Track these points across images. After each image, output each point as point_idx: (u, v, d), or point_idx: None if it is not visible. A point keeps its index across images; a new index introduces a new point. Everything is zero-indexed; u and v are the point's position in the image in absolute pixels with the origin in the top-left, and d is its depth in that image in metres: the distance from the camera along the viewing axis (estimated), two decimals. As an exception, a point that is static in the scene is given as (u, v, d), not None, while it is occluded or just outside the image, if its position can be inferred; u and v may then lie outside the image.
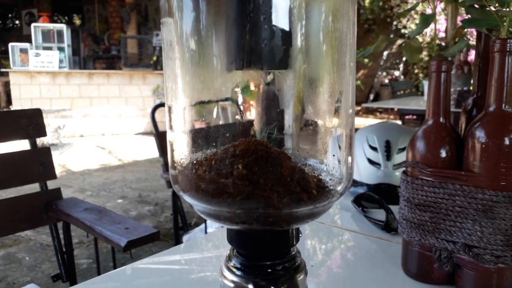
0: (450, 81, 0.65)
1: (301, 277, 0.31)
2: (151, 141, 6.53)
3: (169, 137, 0.31)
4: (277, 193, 0.27)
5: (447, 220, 0.64)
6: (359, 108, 9.17)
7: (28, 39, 8.16)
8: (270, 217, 0.28)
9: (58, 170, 1.35)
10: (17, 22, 12.03)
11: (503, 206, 0.59)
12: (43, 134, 1.44)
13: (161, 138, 1.88)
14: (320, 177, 0.30)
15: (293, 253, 0.32)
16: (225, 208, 0.28)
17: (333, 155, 0.31)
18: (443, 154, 0.65)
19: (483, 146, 0.59)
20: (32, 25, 8.09)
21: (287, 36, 0.26)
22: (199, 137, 0.30)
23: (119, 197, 3.86)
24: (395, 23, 9.05)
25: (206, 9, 0.26)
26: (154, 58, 8.38)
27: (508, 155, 0.58)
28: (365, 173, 1.07)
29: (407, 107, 4.25)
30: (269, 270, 0.30)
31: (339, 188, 0.30)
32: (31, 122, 1.39)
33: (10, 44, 7.62)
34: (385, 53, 9.58)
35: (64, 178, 4.45)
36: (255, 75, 0.27)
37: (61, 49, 7.88)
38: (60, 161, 5.24)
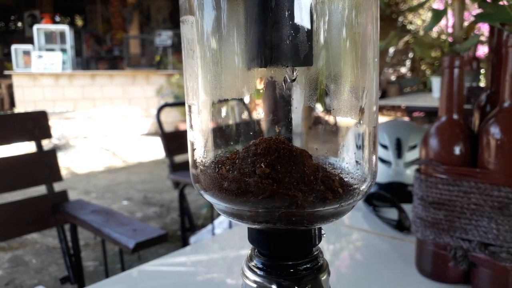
0: (463, 77, 0.64)
1: (325, 277, 0.30)
2: (155, 142, 6.56)
3: (190, 136, 0.30)
4: (301, 192, 0.26)
5: (462, 218, 0.63)
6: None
7: (30, 41, 8.18)
8: (294, 216, 0.27)
9: (62, 172, 1.36)
10: (19, 24, 12.06)
11: (520, 203, 0.58)
12: (49, 136, 1.44)
13: (167, 138, 1.87)
14: (344, 175, 0.30)
15: (315, 253, 0.31)
16: (248, 207, 0.27)
17: (355, 153, 0.30)
18: (457, 151, 0.64)
19: (498, 142, 0.59)
20: (35, 27, 8.10)
21: (311, 32, 0.26)
22: (220, 136, 0.30)
23: (124, 198, 3.86)
24: (400, 19, 9.01)
25: (228, 6, 0.26)
26: (157, 58, 8.38)
27: (525, 152, 0.57)
28: (375, 172, 1.06)
29: (415, 104, 4.20)
30: (292, 270, 0.30)
31: (363, 187, 0.29)
32: (36, 124, 1.39)
33: (13, 47, 7.63)
34: (392, 49, 9.53)
35: (69, 180, 4.45)
36: (278, 73, 0.27)
37: (63, 51, 7.89)
38: (64, 163, 5.25)
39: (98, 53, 10.23)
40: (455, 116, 0.65)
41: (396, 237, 0.86)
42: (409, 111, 5.06)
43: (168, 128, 1.97)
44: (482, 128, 0.61)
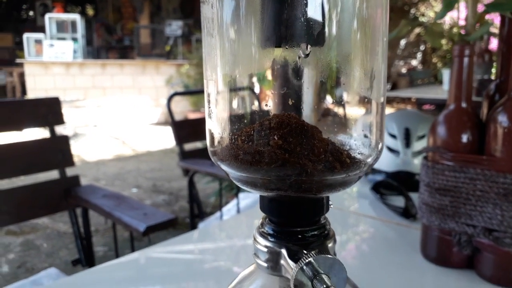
0: (472, 66, 0.65)
1: (331, 244, 0.32)
2: (165, 131, 6.60)
3: (208, 124, 0.32)
4: (311, 161, 0.28)
5: (468, 204, 0.64)
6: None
7: (42, 30, 8.23)
8: (304, 184, 0.29)
9: (73, 159, 1.40)
10: (31, 13, 12.13)
11: (525, 190, 0.59)
12: (61, 122, 1.46)
13: (177, 126, 1.89)
14: (351, 151, 0.31)
15: (323, 221, 0.33)
16: (261, 175, 0.29)
17: (362, 130, 0.31)
18: (465, 139, 0.65)
19: (506, 130, 0.59)
20: (46, 15, 8.15)
21: (324, 11, 0.27)
22: (237, 120, 0.32)
23: (134, 186, 3.90)
24: (412, 11, 8.94)
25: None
26: (167, 48, 8.41)
27: (531, 139, 0.58)
28: (384, 161, 1.07)
29: (426, 96, 4.18)
30: (300, 236, 0.32)
31: (369, 159, 0.31)
32: (50, 110, 1.42)
33: (25, 35, 7.69)
34: (403, 42, 9.46)
35: (79, 168, 4.50)
36: (292, 52, 0.28)
37: (74, 40, 7.94)
38: (74, 151, 5.30)
39: (108, 42, 10.28)
40: (464, 105, 0.65)
41: (402, 224, 0.87)
42: (419, 103, 5.03)
43: (177, 118, 1.99)
44: (490, 116, 0.62)
